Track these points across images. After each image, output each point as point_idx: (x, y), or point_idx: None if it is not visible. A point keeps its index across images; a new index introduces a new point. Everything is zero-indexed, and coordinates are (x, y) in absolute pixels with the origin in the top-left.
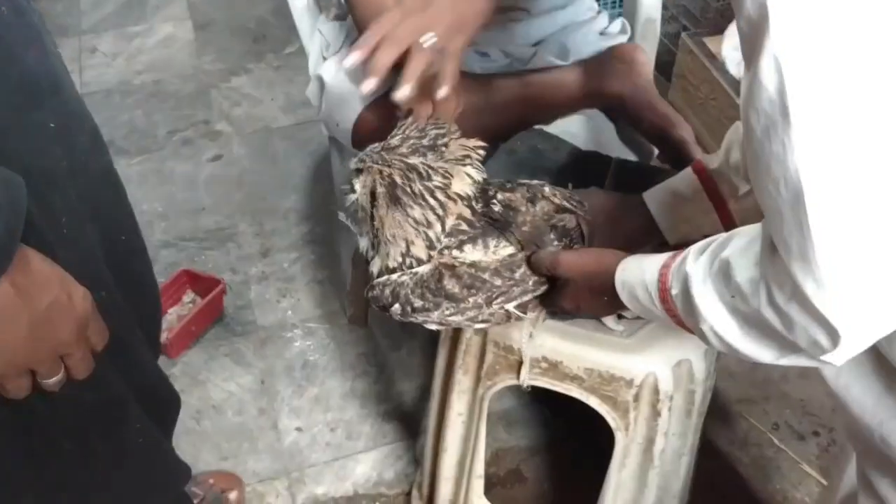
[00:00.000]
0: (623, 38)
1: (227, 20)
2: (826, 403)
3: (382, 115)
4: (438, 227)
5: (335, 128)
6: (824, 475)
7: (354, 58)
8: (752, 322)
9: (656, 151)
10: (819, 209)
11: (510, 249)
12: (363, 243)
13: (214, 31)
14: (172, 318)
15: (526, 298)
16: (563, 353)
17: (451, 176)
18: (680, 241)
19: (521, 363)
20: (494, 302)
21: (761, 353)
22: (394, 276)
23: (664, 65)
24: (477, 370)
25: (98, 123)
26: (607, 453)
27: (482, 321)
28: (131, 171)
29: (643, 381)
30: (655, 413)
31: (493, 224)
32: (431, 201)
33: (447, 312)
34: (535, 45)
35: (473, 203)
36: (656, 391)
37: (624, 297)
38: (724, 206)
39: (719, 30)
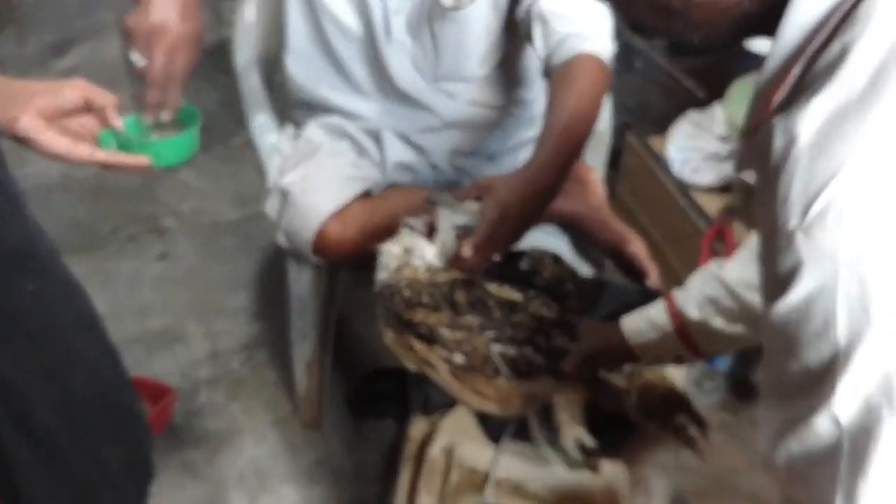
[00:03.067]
0: None
1: None
2: (775, 496)
3: (346, 223)
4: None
5: (296, 238)
6: None
7: None
8: None
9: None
10: None
11: (517, 296)
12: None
13: None
14: None
15: (511, 351)
16: (526, 473)
17: None
18: (652, 362)
19: (485, 482)
20: (486, 332)
21: None
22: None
23: (611, 156)
24: (441, 489)
25: (39, 220)
26: None
27: (464, 353)
28: (74, 270)
29: (604, 500)
30: None
31: (517, 274)
32: None
33: (444, 321)
34: (489, 161)
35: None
36: None
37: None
38: (692, 343)
39: (662, 128)
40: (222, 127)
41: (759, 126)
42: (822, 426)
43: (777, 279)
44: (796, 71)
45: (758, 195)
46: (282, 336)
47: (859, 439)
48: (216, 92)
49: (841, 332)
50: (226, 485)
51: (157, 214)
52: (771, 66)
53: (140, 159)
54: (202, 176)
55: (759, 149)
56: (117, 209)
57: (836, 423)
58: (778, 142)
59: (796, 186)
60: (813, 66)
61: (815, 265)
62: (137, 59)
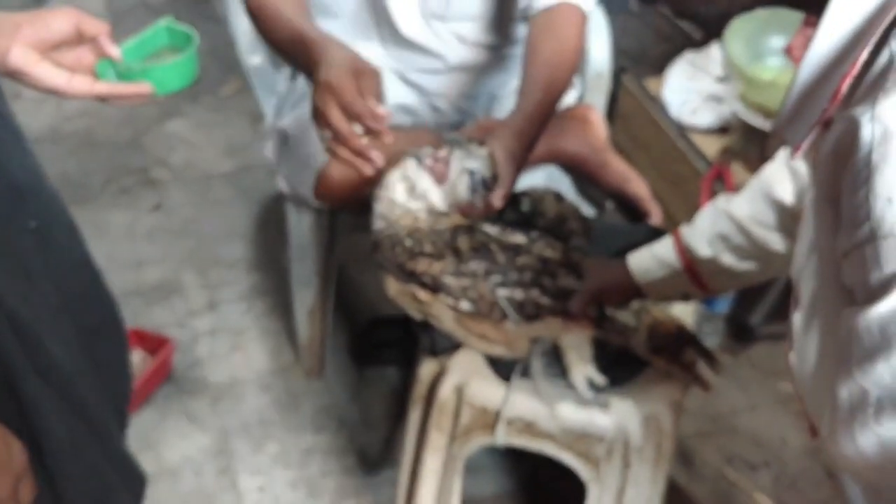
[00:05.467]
0: (573, 95)
1: None
2: (774, 435)
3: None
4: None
5: (297, 181)
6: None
7: None
8: None
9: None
10: None
11: (520, 239)
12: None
13: None
14: None
15: (518, 295)
16: (537, 412)
17: None
18: (659, 300)
19: (495, 422)
20: (491, 277)
21: None
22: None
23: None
24: (452, 429)
25: None
26: (572, 498)
27: (469, 300)
28: None
29: (615, 437)
30: (627, 465)
31: (518, 217)
32: None
33: (448, 269)
34: (491, 102)
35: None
36: (627, 445)
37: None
38: (700, 280)
39: (658, 70)
40: (210, 76)
41: (824, 116)
42: None
43: (873, 279)
44: (864, 55)
45: (822, 183)
46: (281, 286)
47: None
48: (202, 40)
49: None
50: (230, 433)
51: (147, 166)
52: (822, 52)
53: (142, 87)
54: (192, 126)
55: (835, 139)
56: (107, 161)
57: None
58: (866, 133)
59: None
60: (882, 49)
61: None
62: None
